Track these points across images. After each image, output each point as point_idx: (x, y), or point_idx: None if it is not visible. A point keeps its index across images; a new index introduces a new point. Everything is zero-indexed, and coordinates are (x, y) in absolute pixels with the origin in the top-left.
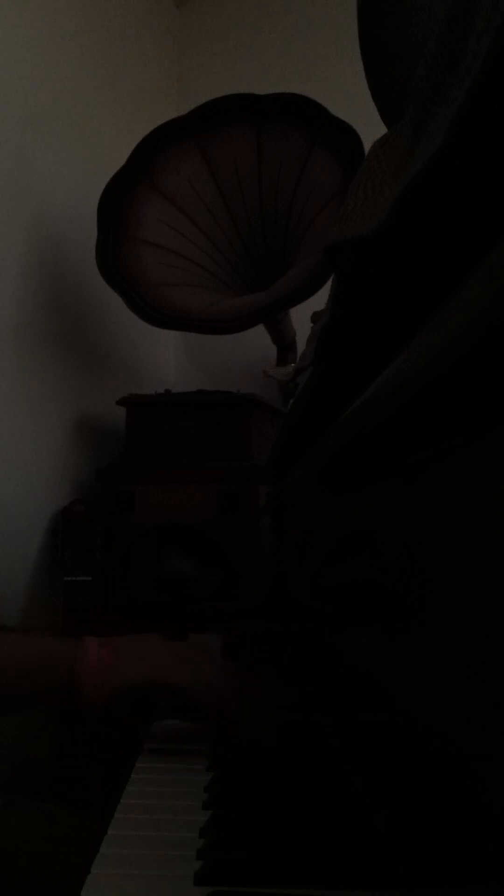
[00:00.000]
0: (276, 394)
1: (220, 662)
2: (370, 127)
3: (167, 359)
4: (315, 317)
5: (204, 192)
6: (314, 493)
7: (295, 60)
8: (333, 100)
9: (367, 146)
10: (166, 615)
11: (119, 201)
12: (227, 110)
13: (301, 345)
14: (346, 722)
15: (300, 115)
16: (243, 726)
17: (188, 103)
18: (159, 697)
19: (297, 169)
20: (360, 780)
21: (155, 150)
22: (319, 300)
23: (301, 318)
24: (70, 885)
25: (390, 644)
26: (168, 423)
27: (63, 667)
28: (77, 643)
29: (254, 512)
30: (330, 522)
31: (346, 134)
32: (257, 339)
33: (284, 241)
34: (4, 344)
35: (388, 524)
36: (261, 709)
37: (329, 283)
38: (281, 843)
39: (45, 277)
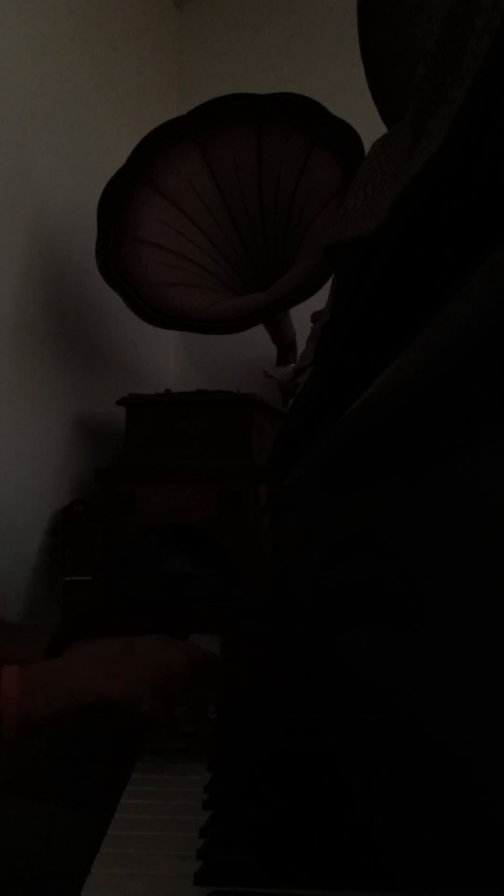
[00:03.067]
0: (276, 394)
1: (153, 658)
2: (370, 127)
3: (167, 359)
4: (315, 317)
5: (204, 192)
6: (314, 493)
7: (295, 60)
8: (333, 100)
9: (367, 146)
10: (166, 615)
11: (119, 201)
12: (227, 110)
13: (301, 345)
14: (347, 722)
15: (300, 115)
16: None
17: (188, 103)
18: (96, 714)
19: (297, 169)
20: (360, 780)
21: (155, 150)
22: (319, 300)
23: (301, 318)
24: (70, 885)
25: (390, 644)
26: (168, 423)
27: None
28: None
29: (254, 512)
30: (330, 522)
31: (346, 134)
32: (257, 339)
33: (284, 241)
34: (4, 344)
35: (389, 524)
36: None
37: (329, 283)
38: (281, 842)
39: (45, 277)
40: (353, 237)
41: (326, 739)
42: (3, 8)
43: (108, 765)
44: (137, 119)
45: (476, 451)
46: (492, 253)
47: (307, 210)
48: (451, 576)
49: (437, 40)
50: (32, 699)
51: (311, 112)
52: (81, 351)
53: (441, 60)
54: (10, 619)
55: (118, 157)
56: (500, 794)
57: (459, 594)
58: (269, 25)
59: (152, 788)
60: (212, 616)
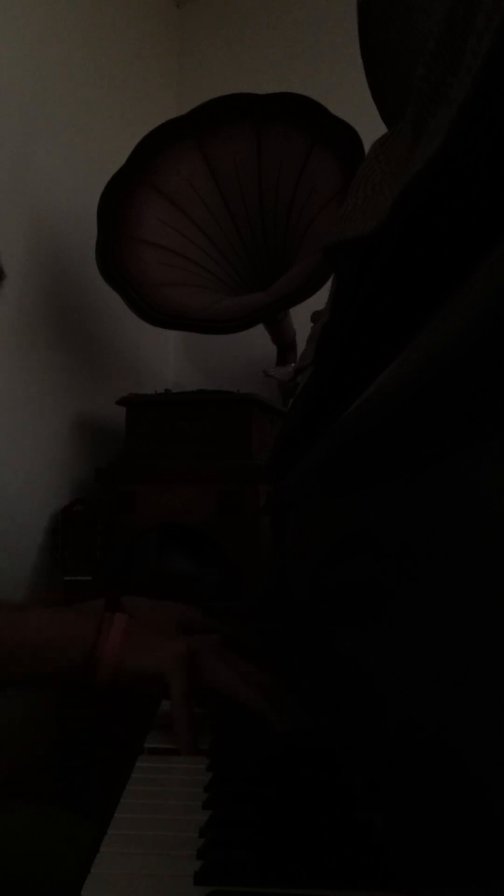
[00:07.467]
0: (276, 394)
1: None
2: (370, 127)
3: (167, 359)
4: (315, 317)
5: (204, 192)
6: (314, 493)
7: (295, 60)
8: (333, 100)
9: (367, 146)
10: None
11: (119, 201)
12: (227, 110)
13: (301, 345)
14: (347, 722)
15: (300, 114)
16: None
17: (188, 103)
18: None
19: (296, 169)
20: (361, 779)
21: (155, 150)
22: (319, 300)
23: (301, 318)
24: (70, 885)
25: (390, 644)
26: (168, 423)
27: (85, 647)
28: (103, 623)
29: (254, 512)
30: (330, 522)
31: (346, 134)
32: (257, 339)
33: (284, 240)
34: (4, 344)
35: (389, 524)
36: (277, 697)
37: (329, 283)
38: (281, 842)
39: (45, 277)
40: (353, 237)
41: (326, 739)
42: (4, 8)
43: (108, 765)
44: (137, 119)
45: (476, 451)
46: (492, 253)
47: (307, 210)
48: (452, 576)
49: (437, 40)
50: (132, 652)
51: (311, 112)
52: (81, 351)
53: (441, 60)
54: None
55: (118, 157)
56: (501, 793)
57: (460, 594)
58: (269, 25)
59: (152, 788)
60: (212, 616)
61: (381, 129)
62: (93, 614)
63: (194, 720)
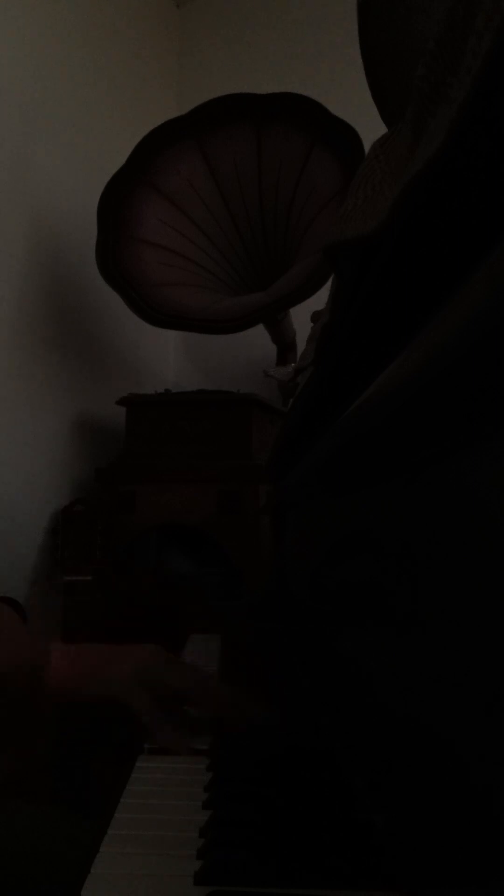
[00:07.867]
0: (276, 394)
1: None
2: (370, 127)
3: (167, 359)
4: (315, 317)
5: (204, 191)
6: (314, 493)
7: (295, 60)
8: (333, 100)
9: (367, 146)
10: (166, 615)
11: (119, 201)
12: (227, 110)
13: (301, 345)
14: (347, 722)
15: (300, 114)
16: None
17: (188, 103)
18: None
19: (296, 169)
20: (361, 779)
21: (155, 150)
22: (319, 300)
23: (301, 318)
24: (70, 885)
25: (390, 644)
26: (168, 423)
27: (35, 676)
28: (44, 652)
29: (254, 512)
30: (330, 522)
31: (346, 134)
32: (257, 339)
33: (284, 240)
34: (4, 344)
35: (389, 524)
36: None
37: (329, 283)
38: (281, 842)
39: (45, 277)
40: (353, 237)
41: (326, 739)
42: (4, 8)
43: (108, 765)
44: (137, 119)
45: (476, 451)
46: (492, 253)
47: (307, 210)
48: (452, 576)
49: (437, 40)
50: (74, 678)
51: (311, 112)
52: (81, 351)
53: (441, 60)
54: None
55: (118, 157)
56: (501, 793)
57: (459, 594)
58: (269, 25)
59: (152, 788)
60: (212, 616)
61: (381, 129)
62: (42, 645)
63: (171, 724)
